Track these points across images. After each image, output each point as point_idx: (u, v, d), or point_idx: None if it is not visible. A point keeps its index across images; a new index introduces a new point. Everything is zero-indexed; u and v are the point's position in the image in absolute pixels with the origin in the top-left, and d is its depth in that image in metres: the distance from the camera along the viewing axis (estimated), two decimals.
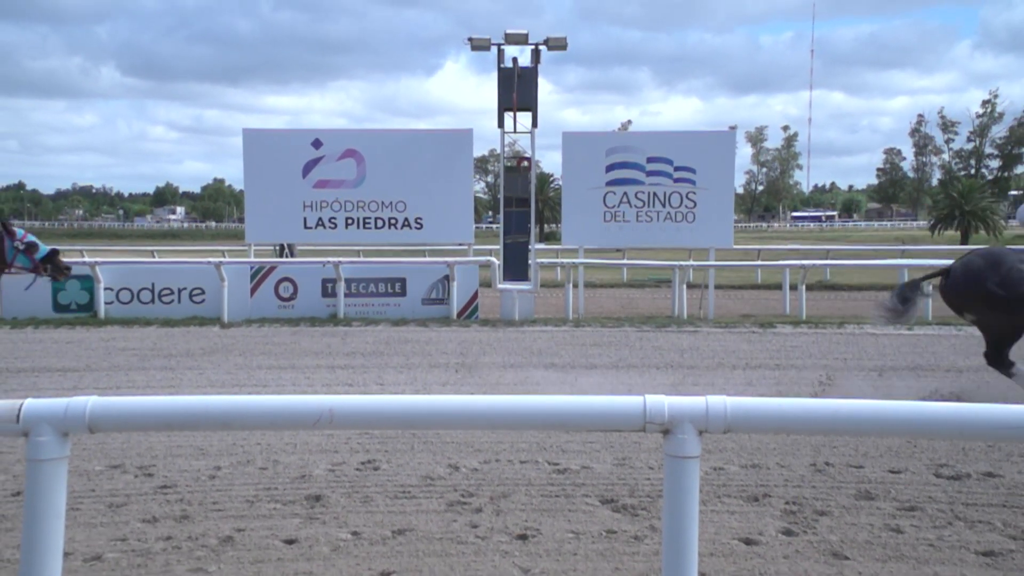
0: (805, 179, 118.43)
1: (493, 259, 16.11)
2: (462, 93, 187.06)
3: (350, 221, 15.85)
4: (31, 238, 7.20)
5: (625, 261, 21.39)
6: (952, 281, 7.69)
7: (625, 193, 15.73)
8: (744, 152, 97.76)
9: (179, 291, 14.93)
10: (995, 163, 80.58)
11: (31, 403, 2.67)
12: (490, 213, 71.04)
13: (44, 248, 7.27)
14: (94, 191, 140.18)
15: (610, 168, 15.77)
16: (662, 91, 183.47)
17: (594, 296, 18.15)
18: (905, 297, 8.04)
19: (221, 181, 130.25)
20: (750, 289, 20.95)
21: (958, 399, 7.12)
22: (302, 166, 15.78)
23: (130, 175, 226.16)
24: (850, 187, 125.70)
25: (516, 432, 6.40)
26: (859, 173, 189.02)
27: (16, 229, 7.16)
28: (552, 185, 52.22)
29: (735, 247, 18.28)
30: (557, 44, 15.68)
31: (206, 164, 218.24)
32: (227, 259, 16.84)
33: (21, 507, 3.07)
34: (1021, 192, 76.33)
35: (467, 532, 4.61)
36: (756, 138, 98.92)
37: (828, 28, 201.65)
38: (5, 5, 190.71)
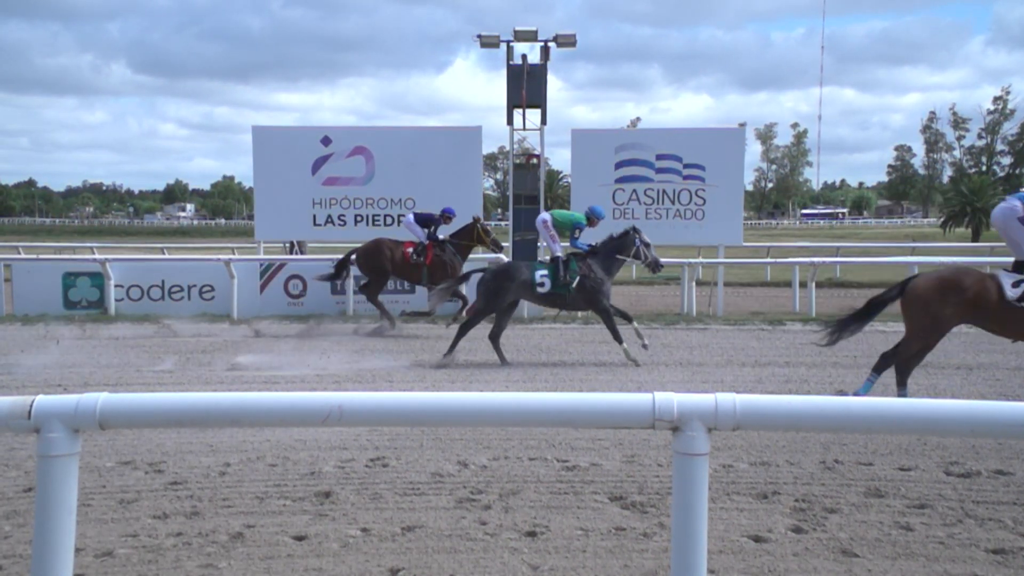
0: (815, 176, 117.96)
1: (502, 256, 16.10)
2: (472, 90, 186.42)
3: (359, 218, 15.89)
4: None
5: None
6: None
7: (634, 190, 15.72)
8: (754, 149, 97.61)
9: (189, 288, 14.99)
10: (1007, 160, 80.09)
11: (42, 400, 2.69)
12: (499, 210, 70.99)
13: None
14: (104, 188, 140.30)
15: (619, 165, 15.76)
16: (672, 88, 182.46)
17: None
18: None
19: (231, 178, 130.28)
20: (759, 287, 20.91)
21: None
22: (311, 163, 15.81)
23: (140, 172, 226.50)
24: (860, 184, 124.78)
25: (525, 429, 6.41)
26: (869, 170, 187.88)
27: None
28: (561, 182, 52.18)
29: (744, 244, 18.20)
30: (566, 41, 15.68)
31: (216, 161, 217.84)
32: (237, 256, 16.90)
33: (33, 503, 3.08)
34: None
35: (476, 529, 4.61)
36: (766, 135, 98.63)
37: (839, 24, 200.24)
38: (16, 3, 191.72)
